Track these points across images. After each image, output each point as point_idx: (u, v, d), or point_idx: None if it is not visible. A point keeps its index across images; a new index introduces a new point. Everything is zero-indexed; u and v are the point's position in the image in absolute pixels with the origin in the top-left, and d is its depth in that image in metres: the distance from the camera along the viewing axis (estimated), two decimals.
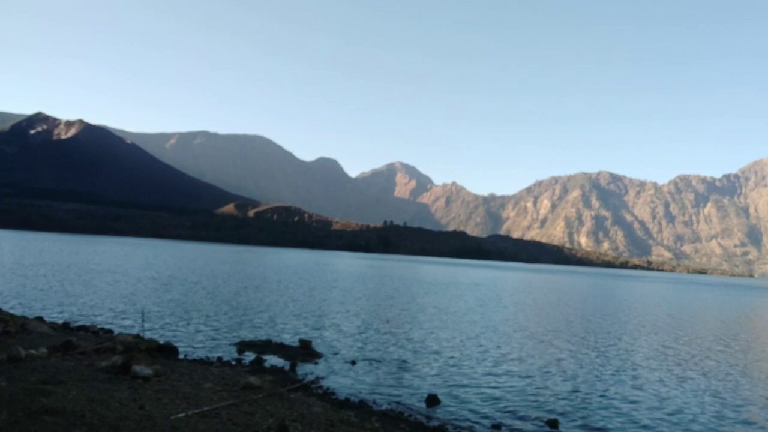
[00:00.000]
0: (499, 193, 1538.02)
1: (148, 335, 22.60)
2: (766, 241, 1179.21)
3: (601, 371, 23.32)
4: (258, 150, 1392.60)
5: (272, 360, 20.67)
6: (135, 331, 23.37)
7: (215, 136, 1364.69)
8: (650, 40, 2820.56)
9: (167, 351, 19.70)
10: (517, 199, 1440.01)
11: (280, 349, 22.73)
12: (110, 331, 23.34)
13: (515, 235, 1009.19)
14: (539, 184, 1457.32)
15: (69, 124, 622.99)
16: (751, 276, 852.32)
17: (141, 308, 30.02)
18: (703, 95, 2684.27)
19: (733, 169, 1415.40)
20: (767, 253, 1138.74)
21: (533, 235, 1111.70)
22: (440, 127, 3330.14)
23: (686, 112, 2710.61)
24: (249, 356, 20.94)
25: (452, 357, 24.24)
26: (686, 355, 28.86)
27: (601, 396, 19.03)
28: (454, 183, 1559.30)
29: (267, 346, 23.02)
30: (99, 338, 20.91)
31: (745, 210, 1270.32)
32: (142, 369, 15.08)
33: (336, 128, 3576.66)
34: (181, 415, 11.93)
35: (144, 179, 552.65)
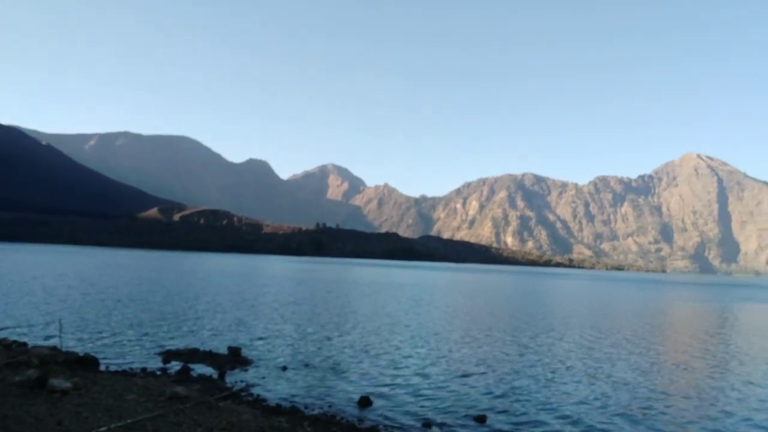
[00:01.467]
0: (430, 194, 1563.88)
1: (66, 347, 21.49)
2: (677, 238, 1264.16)
3: (527, 367, 24.26)
4: (184, 151, 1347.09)
5: (200, 369, 20.17)
6: (52, 343, 22.17)
7: (138, 137, 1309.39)
8: (569, 49, 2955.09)
9: (87, 363, 18.83)
10: (447, 200, 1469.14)
11: (208, 357, 22.19)
12: (24, 344, 21.96)
13: (445, 235, 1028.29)
14: (468, 185, 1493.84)
15: None
16: (664, 271, 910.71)
17: (59, 319, 28.43)
18: (620, 101, 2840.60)
19: (647, 170, 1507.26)
20: (678, 249, 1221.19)
21: (462, 235, 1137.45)
22: (373, 129, 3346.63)
23: (604, 116, 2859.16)
24: (175, 365, 20.32)
25: (384, 358, 24.51)
26: (605, 348, 30.51)
27: (528, 390, 19.83)
28: (386, 185, 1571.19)
29: (194, 355, 22.43)
30: (12, 352, 19.66)
31: (659, 209, 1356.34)
32: (59, 382, 14.39)
33: (267, 129, 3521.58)
34: (102, 429, 11.50)
35: (61, 182, 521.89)
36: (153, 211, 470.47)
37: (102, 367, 19.21)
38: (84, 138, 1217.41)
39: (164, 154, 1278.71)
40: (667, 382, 22.35)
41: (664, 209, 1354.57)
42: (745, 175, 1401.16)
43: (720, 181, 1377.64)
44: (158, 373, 19.03)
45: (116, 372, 18.60)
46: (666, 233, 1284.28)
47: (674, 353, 30.13)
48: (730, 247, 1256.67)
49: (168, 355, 22.18)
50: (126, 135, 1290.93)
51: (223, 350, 23.45)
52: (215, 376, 19.19)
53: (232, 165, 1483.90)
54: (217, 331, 29.59)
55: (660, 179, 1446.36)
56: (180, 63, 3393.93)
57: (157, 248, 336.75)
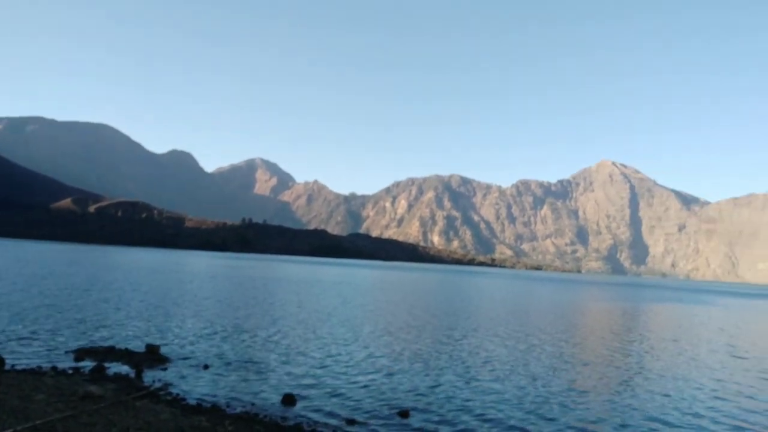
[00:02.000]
0: (359, 192, 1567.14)
1: None
2: (591, 240, 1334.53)
3: (450, 364, 24.92)
4: (101, 140, 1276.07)
5: (115, 367, 19.37)
6: None
7: (52, 122, 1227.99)
8: (497, 58, 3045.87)
9: None
10: (376, 198, 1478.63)
11: (124, 355, 21.33)
12: None
13: (374, 233, 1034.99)
14: (397, 184, 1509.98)
15: None
16: (579, 272, 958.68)
17: None
18: (542, 108, 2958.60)
19: (566, 175, 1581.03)
20: (593, 251, 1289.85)
21: (391, 233, 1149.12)
22: (303, 124, 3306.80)
23: (528, 122, 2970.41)
24: (89, 364, 19.38)
25: (309, 356, 24.47)
26: (524, 345, 31.84)
27: (450, 387, 20.39)
28: (316, 181, 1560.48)
29: (109, 353, 21.51)
30: None
31: (575, 212, 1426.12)
32: None
33: (191, 119, 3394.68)
34: (8, 431, 10.92)
35: None
36: (67, 202, 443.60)
37: (8, 366, 18.10)
38: None
39: (80, 142, 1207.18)
40: (582, 378, 23.66)
41: (580, 213, 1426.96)
42: (655, 183, 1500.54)
43: (632, 187, 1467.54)
44: (70, 371, 18.12)
45: (24, 371, 17.56)
46: (582, 236, 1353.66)
47: (587, 350, 31.89)
48: (639, 250, 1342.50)
49: (81, 353, 21.15)
50: (38, 120, 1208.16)
51: (141, 348, 22.62)
52: (132, 374, 18.52)
53: (153, 155, 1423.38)
54: (135, 329, 28.49)
55: (577, 184, 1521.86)
56: (99, 45, 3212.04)
57: (71, 241, 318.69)
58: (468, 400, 18.67)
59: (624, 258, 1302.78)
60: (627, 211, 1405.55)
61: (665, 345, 35.65)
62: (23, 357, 20.15)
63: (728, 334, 44.91)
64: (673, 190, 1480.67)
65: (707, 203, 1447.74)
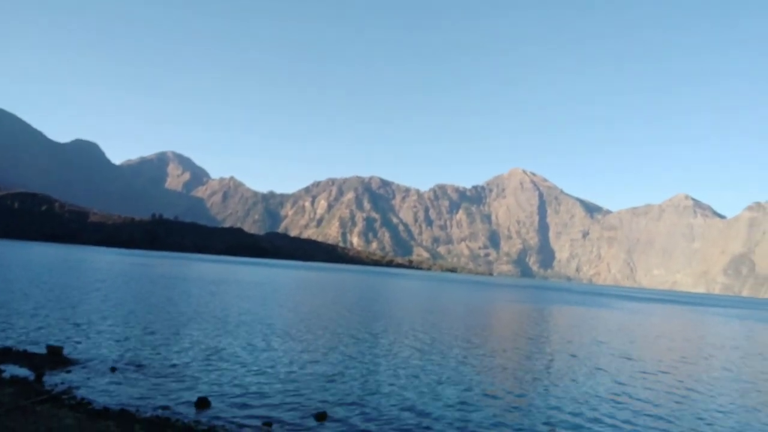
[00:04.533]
0: (278, 191, 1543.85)
1: None
2: (503, 244, 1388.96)
3: (368, 365, 25.25)
4: None
5: (13, 370, 18.12)
6: None
7: None
8: (418, 63, 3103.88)
9: None
10: (296, 198, 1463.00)
11: (22, 357, 19.99)
12: None
13: (293, 233, 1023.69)
14: (317, 184, 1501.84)
15: None
16: (491, 274, 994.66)
17: None
18: (458, 114, 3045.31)
19: (480, 181, 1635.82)
20: (504, 255, 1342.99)
21: (310, 233, 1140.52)
22: (219, 117, 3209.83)
23: (445, 127, 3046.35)
24: None
25: (225, 359, 23.97)
26: (438, 345, 32.78)
27: (367, 388, 20.71)
28: (232, 178, 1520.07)
29: (6, 355, 20.07)
30: None
31: (489, 217, 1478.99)
32: None
33: (98, 107, 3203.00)
34: None
35: None
36: None
37: None
38: None
39: None
40: (490, 377, 24.76)
41: (493, 218, 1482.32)
42: (562, 191, 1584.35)
43: (541, 195, 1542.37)
44: None
45: None
46: (494, 240, 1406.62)
47: (496, 349, 33.29)
48: (546, 255, 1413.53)
49: None
50: None
51: (42, 349, 21.28)
52: (32, 377, 17.39)
53: (56, 144, 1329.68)
54: (35, 329, 26.63)
55: (491, 190, 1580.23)
56: None
57: None
58: (384, 401, 19.03)
59: (532, 262, 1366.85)
60: (536, 218, 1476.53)
61: (564, 345, 37.87)
62: None
63: (623, 336, 48.39)
64: (578, 199, 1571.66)
65: (609, 212, 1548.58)
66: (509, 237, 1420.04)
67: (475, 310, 66.56)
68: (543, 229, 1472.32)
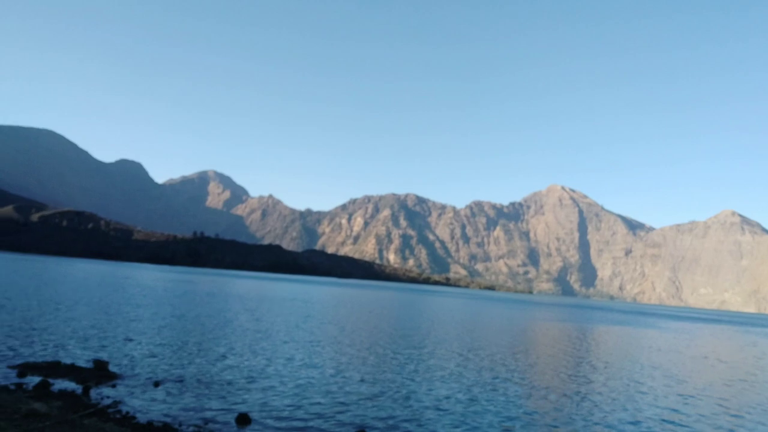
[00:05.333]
0: (315, 208, 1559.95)
1: None
2: (543, 262, 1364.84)
3: (408, 381, 24.97)
4: (45, 146, 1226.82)
5: (61, 384, 18.57)
6: None
7: None
8: (454, 79, 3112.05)
9: None
10: (332, 215, 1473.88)
11: (70, 371, 20.48)
12: None
13: (330, 250, 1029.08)
14: (353, 202, 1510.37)
15: None
16: (531, 292, 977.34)
17: None
18: (494, 131, 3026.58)
19: (517, 198, 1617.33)
20: (543, 272, 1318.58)
21: (347, 250, 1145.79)
22: (258, 137, 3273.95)
23: (481, 143, 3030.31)
24: (33, 380, 18.55)
25: (265, 374, 24.07)
26: (478, 362, 32.22)
27: (407, 405, 20.45)
28: (271, 196, 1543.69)
29: (55, 368, 20.60)
30: None
31: (527, 234, 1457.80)
32: None
33: (142, 128, 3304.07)
34: None
35: None
36: (8, 209, 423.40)
37: None
38: None
39: (21, 148, 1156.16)
40: (533, 399, 24.11)
41: (531, 235, 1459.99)
42: (602, 208, 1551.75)
43: (581, 212, 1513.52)
44: (12, 387, 17.26)
45: None
46: (533, 257, 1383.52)
47: (538, 369, 32.47)
48: (588, 273, 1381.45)
49: (24, 368, 20.17)
50: None
51: (89, 364, 21.78)
52: (79, 391, 17.79)
53: (101, 164, 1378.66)
54: (82, 344, 27.35)
55: (529, 207, 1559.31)
56: (44, 46, 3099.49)
57: (12, 250, 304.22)
58: (424, 422, 18.71)
59: (573, 280, 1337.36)
60: (576, 235, 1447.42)
61: (608, 366, 36.66)
62: None
63: (669, 357, 46.59)
64: (619, 215, 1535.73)
65: (652, 229, 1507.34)
66: (549, 254, 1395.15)
67: (516, 328, 65.32)
68: (584, 246, 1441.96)
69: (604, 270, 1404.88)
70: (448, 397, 22.32)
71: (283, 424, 16.72)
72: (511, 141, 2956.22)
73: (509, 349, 40.93)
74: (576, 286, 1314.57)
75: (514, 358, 36.33)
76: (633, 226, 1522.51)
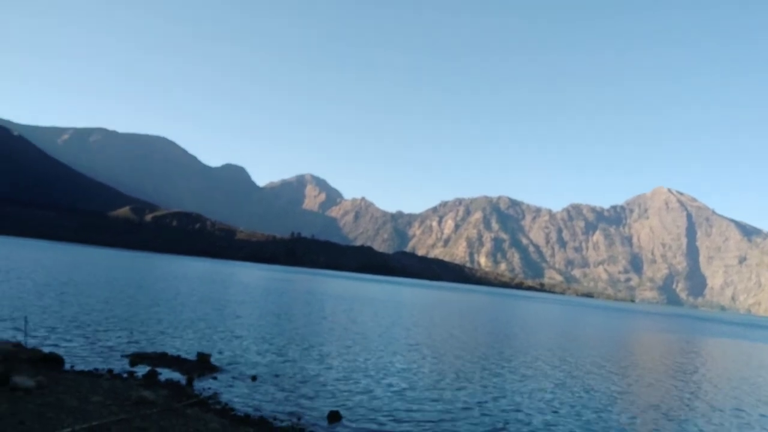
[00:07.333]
0: (406, 210, 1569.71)
1: (31, 344, 20.91)
2: (646, 269, 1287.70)
3: (500, 389, 24.33)
4: (159, 151, 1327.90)
5: (167, 373, 19.78)
6: (16, 339, 21.52)
7: (113, 134, 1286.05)
8: (547, 82, 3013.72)
9: (52, 361, 18.36)
10: (423, 217, 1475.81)
11: (176, 362, 21.80)
12: None
13: (420, 252, 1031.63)
14: (444, 204, 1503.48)
15: None
16: (632, 301, 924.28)
17: (24, 315, 27.65)
18: (594, 132, 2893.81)
19: (619, 201, 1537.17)
20: (647, 280, 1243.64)
21: (437, 253, 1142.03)
22: (352, 142, 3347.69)
23: (580, 145, 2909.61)
24: (142, 369, 19.88)
25: (358, 373, 24.36)
26: (578, 374, 30.82)
27: (500, 412, 19.90)
28: (363, 198, 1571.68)
29: (162, 359, 22.02)
30: None
31: (629, 239, 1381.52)
32: (23, 380, 13.98)
33: (245, 134, 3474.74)
34: (66, 430, 11.20)
35: (31, 175, 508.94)
36: (125, 210, 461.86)
37: (67, 367, 18.72)
38: (58, 131, 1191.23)
39: (138, 153, 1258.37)
40: (634, 415, 22.66)
41: (634, 240, 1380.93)
42: (713, 212, 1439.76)
43: (689, 216, 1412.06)
44: (125, 375, 18.60)
45: (81, 372, 18.13)
46: (636, 264, 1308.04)
47: (640, 383, 30.55)
48: (697, 281, 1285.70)
49: (135, 358, 21.71)
50: (101, 131, 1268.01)
51: (192, 356, 23.06)
52: (183, 381, 18.84)
53: (207, 168, 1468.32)
54: (187, 336, 29.09)
55: (631, 210, 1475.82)
56: (160, 60, 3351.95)
57: (126, 247, 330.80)
58: (512, 425, 18.07)
59: (680, 289, 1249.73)
60: (684, 240, 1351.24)
61: (714, 381, 33.75)
62: (82, 358, 20.82)
63: None
64: (732, 220, 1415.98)
65: None
66: (653, 261, 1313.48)
67: (617, 338, 61.99)
68: (692, 253, 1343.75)
69: (714, 278, 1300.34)
70: (541, 411, 21.46)
71: (373, 426, 16.76)
72: (611, 142, 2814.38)
73: (610, 361, 38.82)
74: (683, 296, 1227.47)
75: (615, 369, 34.40)
76: (748, 231, 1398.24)
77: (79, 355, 21.47)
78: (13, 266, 68.09)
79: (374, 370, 25.29)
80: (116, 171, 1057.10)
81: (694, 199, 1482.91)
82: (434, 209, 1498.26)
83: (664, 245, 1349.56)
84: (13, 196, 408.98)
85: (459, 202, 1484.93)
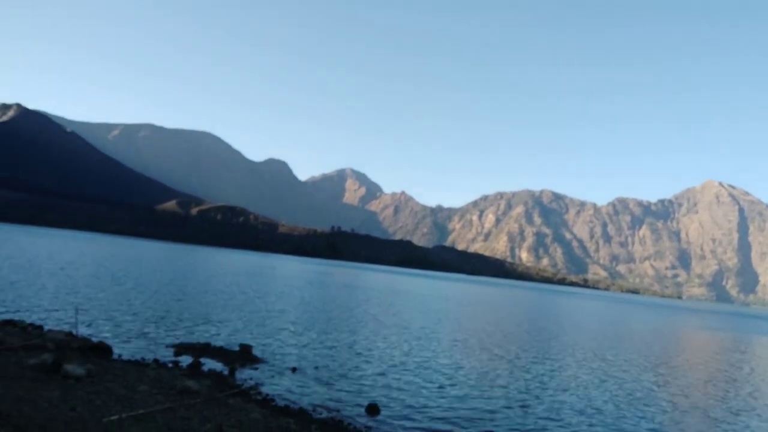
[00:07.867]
0: (446, 205, 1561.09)
1: (81, 333, 21.72)
2: (695, 265, 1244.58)
3: (540, 385, 23.98)
4: (204, 147, 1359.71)
5: (211, 364, 20.23)
6: (67, 328, 22.38)
7: (161, 129, 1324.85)
8: (593, 68, 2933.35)
9: (101, 350, 19.00)
10: (463, 211, 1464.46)
11: (219, 353, 22.29)
12: (40, 328, 22.16)
13: (460, 246, 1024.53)
14: (485, 198, 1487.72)
15: (5, 107, 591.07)
16: (680, 298, 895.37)
17: (75, 305, 28.75)
18: (641, 124, 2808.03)
19: (667, 195, 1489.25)
20: (695, 276, 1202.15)
21: (477, 247, 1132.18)
22: (392, 136, 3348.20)
23: (626, 138, 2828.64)
24: (187, 359, 20.39)
25: (396, 367, 24.38)
26: (622, 373, 30.09)
27: (538, 408, 19.61)
28: (403, 192, 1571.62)
29: (206, 350, 22.53)
30: (27, 334, 19.90)
31: (677, 234, 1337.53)
32: (73, 368, 14.50)
33: (288, 130, 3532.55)
34: (114, 417, 11.55)
35: (82, 170, 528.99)
36: (171, 204, 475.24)
37: (115, 356, 19.35)
38: (108, 127, 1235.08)
39: (185, 148, 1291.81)
40: (680, 417, 21.95)
41: (682, 235, 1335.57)
42: (767, 207, 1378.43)
43: (741, 210, 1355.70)
44: (170, 365, 19.10)
45: (129, 361, 18.70)
46: (684, 259, 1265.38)
47: (688, 384, 29.59)
48: (748, 278, 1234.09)
49: (180, 348, 22.30)
50: (149, 127, 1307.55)
51: (235, 347, 23.51)
52: (225, 372, 19.23)
53: (251, 163, 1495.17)
54: (230, 328, 29.71)
55: (680, 205, 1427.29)
56: (206, 58, 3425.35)
57: (173, 240, 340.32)
58: (553, 424, 17.74)
59: (730, 286, 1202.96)
60: (735, 236, 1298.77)
61: (763, 383, 32.33)
62: (130, 348, 21.50)
63: None
64: None
65: None
66: (702, 257, 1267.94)
67: (665, 336, 60.21)
68: (744, 248, 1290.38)
69: (767, 275, 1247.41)
70: (584, 412, 20.99)
71: (411, 421, 16.72)
72: (661, 133, 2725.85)
73: (657, 360, 37.73)
74: (733, 292, 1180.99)
75: (662, 369, 33.41)
76: None
77: (126, 344, 22.18)
78: (64, 258, 70.90)
79: (415, 365, 25.25)
80: (163, 166, 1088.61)
81: (746, 193, 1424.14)
82: (474, 203, 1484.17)
83: (714, 240, 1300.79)
84: (65, 189, 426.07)
85: (500, 196, 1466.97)
